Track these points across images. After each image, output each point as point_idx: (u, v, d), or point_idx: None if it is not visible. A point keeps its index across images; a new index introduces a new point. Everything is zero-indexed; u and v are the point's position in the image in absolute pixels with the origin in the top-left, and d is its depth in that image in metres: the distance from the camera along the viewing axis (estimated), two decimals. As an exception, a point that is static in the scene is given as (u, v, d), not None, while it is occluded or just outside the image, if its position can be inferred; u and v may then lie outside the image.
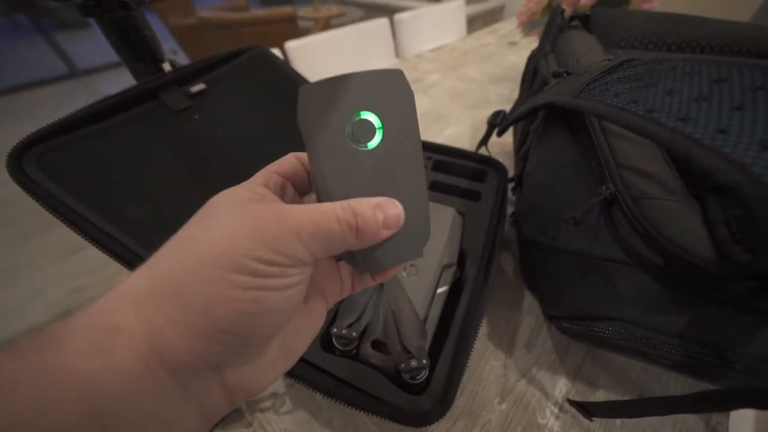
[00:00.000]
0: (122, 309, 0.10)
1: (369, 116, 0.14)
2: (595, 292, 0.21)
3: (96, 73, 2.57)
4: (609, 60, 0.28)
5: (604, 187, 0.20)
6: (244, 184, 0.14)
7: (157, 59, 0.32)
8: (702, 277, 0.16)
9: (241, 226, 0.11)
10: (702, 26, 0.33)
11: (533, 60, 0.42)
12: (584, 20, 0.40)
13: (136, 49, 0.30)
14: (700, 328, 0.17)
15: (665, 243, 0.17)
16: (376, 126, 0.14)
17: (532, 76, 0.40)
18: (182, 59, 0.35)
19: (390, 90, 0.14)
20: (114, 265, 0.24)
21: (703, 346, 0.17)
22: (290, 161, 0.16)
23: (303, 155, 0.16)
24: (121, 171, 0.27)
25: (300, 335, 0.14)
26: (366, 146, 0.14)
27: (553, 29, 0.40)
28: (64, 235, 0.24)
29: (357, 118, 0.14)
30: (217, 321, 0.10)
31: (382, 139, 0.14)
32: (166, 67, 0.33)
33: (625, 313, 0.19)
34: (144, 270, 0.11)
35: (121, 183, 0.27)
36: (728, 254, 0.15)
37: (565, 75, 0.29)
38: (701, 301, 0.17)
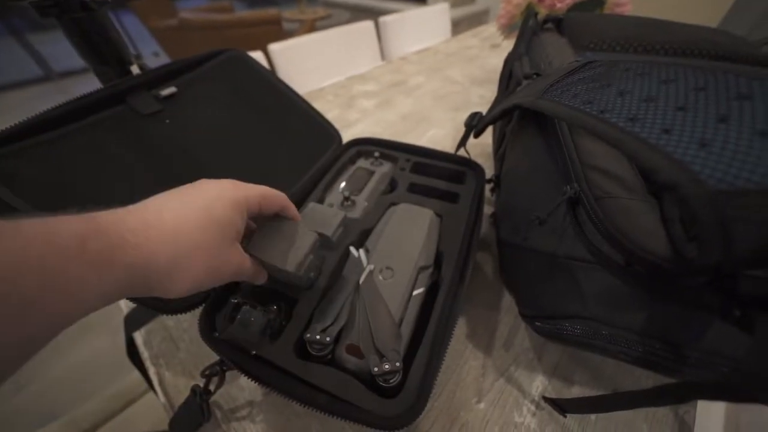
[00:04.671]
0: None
1: None
2: (561, 290, 0.21)
3: (74, 76, 2.49)
4: (577, 62, 0.29)
5: (568, 187, 0.20)
6: (239, 197, 0.20)
7: (124, 62, 0.31)
8: (659, 275, 0.17)
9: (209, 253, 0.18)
10: (667, 30, 0.34)
11: (509, 62, 0.42)
12: (557, 23, 0.41)
13: (100, 51, 0.29)
14: (658, 324, 0.18)
15: (624, 241, 0.17)
16: None
17: (508, 78, 0.40)
18: (164, 62, 0.34)
19: None
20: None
21: (661, 342, 0.17)
22: (279, 202, 0.23)
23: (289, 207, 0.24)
24: (84, 178, 0.26)
25: None
26: None
27: (527, 32, 0.41)
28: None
29: None
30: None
31: None
32: (135, 70, 0.32)
33: (589, 310, 0.20)
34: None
35: (85, 191, 0.26)
36: (681, 251, 0.15)
37: (534, 76, 0.30)
38: (659, 298, 0.17)
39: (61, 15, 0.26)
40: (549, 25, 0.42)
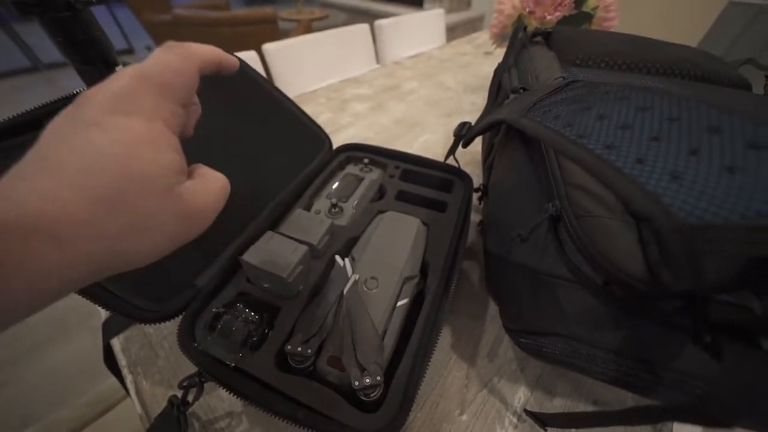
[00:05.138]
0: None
1: None
2: (543, 307, 0.22)
3: (62, 67, 2.43)
4: (563, 78, 0.29)
5: (550, 204, 0.21)
6: (158, 110, 0.13)
7: (109, 63, 0.30)
8: (636, 295, 0.17)
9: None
10: (651, 49, 0.35)
11: (498, 73, 0.43)
12: (546, 37, 0.42)
13: (84, 52, 0.28)
14: (635, 344, 0.18)
15: (602, 260, 0.17)
16: None
17: (497, 89, 0.41)
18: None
19: None
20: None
21: (637, 362, 0.18)
22: (210, 60, 0.16)
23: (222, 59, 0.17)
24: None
25: None
26: None
27: (516, 44, 0.41)
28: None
29: None
30: None
31: None
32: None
33: (569, 329, 0.20)
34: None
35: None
36: (657, 274, 0.16)
37: (521, 91, 0.30)
38: (636, 318, 0.17)
39: (43, 14, 0.25)
40: (538, 38, 0.43)
